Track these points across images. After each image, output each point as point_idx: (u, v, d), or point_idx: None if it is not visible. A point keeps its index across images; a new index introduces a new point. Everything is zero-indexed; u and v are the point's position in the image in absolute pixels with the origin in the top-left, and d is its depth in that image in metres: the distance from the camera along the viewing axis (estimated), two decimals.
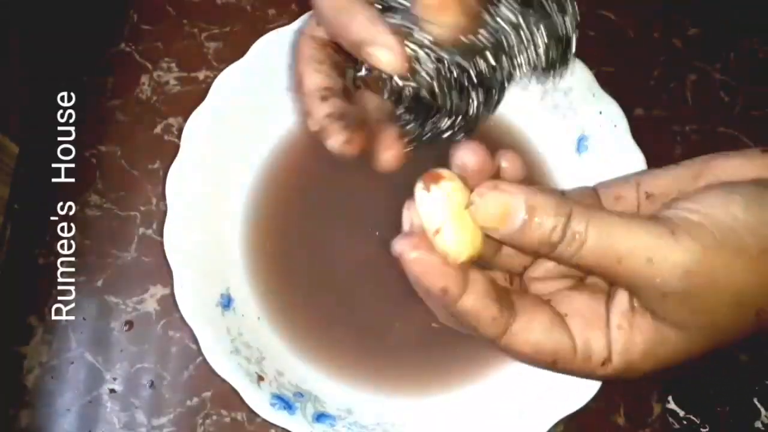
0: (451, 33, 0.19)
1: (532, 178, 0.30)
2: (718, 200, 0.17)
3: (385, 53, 0.19)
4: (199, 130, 0.29)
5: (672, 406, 0.32)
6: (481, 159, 0.18)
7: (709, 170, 0.19)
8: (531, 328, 0.18)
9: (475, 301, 0.18)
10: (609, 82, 0.31)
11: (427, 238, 0.18)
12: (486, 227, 0.17)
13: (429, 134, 0.21)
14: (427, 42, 0.18)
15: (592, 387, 0.27)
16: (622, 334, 0.18)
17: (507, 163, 0.19)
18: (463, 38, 0.19)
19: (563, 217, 0.17)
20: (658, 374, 0.19)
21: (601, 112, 0.31)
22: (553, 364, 0.19)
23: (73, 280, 0.32)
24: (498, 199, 0.17)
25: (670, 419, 0.31)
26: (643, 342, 0.18)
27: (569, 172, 0.32)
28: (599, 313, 0.19)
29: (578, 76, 0.31)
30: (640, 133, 0.30)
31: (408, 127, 0.21)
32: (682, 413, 0.31)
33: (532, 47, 0.19)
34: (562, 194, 0.19)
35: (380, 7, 0.19)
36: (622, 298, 0.18)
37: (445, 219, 0.17)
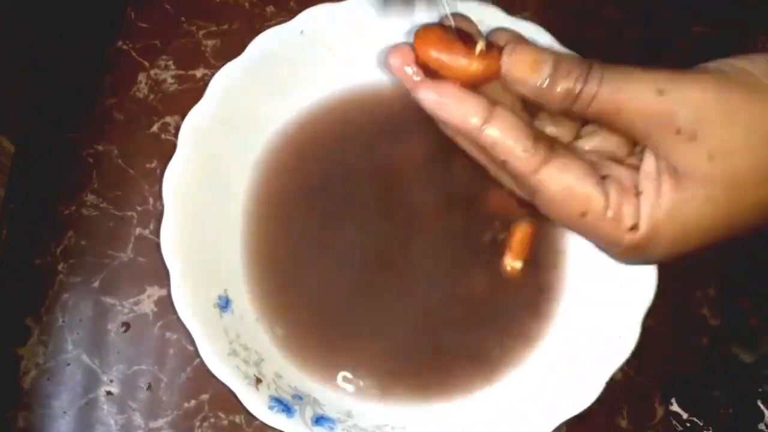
0: None
1: None
2: (733, 58, 0.18)
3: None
4: (196, 129, 0.29)
5: (675, 408, 0.31)
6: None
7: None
8: (567, 171, 0.18)
9: (506, 130, 0.18)
10: None
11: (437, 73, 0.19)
12: (517, 76, 0.18)
13: None
14: None
15: (595, 390, 0.27)
16: (647, 197, 0.18)
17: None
18: None
19: (585, 66, 0.18)
20: (686, 255, 0.19)
21: None
22: (582, 215, 0.19)
23: (69, 280, 0.32)
24: (530, 50, 0.19)
25: (674, 421, 0.31)
26: (667, 203, 0.18)
27: None
28: (633, 183, 0.19)
29: None
30: None
31: None
32: (685, 415, 0.31)
33: None
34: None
35: None
36: (648, 161, 0.19)
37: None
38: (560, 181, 0.18)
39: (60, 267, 0.32)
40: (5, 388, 0.31)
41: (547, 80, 0.18)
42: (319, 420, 0.28)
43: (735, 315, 0.33)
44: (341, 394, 0.29)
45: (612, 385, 0.27)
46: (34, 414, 0.31)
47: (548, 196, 0.19)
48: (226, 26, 0.36)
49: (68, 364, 0.31)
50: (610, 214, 0.18)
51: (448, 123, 0.19)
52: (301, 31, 0.30)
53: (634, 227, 0.18)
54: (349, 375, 0.30)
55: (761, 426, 0.31)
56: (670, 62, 0.35)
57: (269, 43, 0.30)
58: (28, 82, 0.35)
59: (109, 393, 0.31)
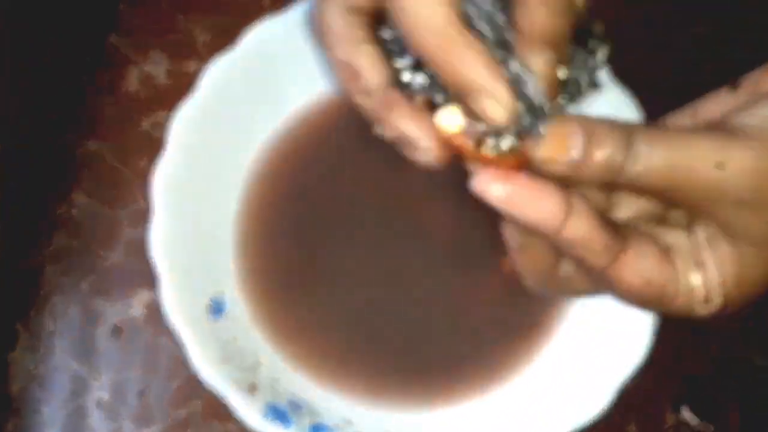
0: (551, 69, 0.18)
1: None
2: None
3: (496, 108, 0.17)
4: (186, 125, 0.28)
5: (686, 414, 0.31)
6: None
7: (764, 85, 0.19)
8: (644, 260, 0.18)
9: (586, 222, 0.17)
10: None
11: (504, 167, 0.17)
12: (545, 156, 0.17)
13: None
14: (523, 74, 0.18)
15: (605, 398, 0.26)
16: (711, 268, 0.18)
17: None
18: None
19: (624, 134, 0.17)
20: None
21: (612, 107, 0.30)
22: (658, 299, 0.18)
23: (59, 282, 0.31)
24: (551, 127, 0.17)
25: (684, 428, 0.31)
26: (733, 272, 0.18)
27: None
28: (692, 249, 0.18)
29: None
30: None
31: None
32: (696, 422, 0.31)
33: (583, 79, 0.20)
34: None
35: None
36: (700, 229, 0.18)
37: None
38: (638, 272, 0.18)
39: (49, 269, 0.32)
40: None
41: (581, 154, 0.17)
42: (316, 429, 0.27)
43: (748, 320, 0.32)
44: (340, 401, 0.29)
45: (621, 391, 0.27)
46: (22, 420, 0.30)
47: (625, 287, 0.18)
48: (220, 19, 0.35)
49: (57, 370, 0.31)
50: (683, 293, 0.18)
51: (516, 219, 0.17)
52: (297, 23, 0.29)
53: (707, 299, 0.18)
54: (348, 380, 0.29)
55: None
56: (670, 62, 0.35)
57: (264, 34, 0.29)
58: (16, 79, 0.34)
59: (99, 400, 0.30)
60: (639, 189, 0.18)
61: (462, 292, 0.30)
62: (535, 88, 0.17)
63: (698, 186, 0.17)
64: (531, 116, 0.17)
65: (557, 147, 0.17)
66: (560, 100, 0.19)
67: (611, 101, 0.30)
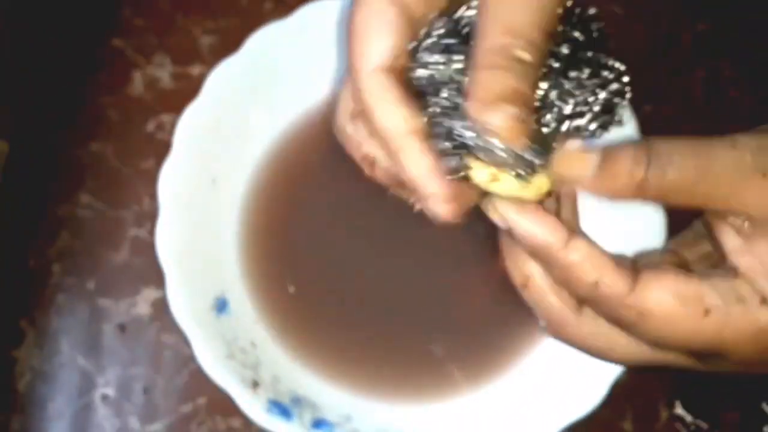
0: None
1: None
2: None
3: (438, 207, 0.18)
4: (192, 127, 0.29)
5: (680, 411, 0.31)
6: None
7: None
8: (665, 277, 0.17)
9: (587, 243, 0.17)
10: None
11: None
12: (564, 174, 0.17)
13: None
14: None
15: (599, 393, 0.27)
16: (755, 269, 0.17)
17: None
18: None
19: (642, 148, 0.17)
20: None
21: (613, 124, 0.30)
22: (706, 315, 0.17)
23: (64, 282, 0.32)
24: (569, 150, 0.17)
25: (678, 425, 0.31)
26: None
27: None
28: (726, 265, 0.17)
29: None
30: (648, 130, 0.30)
31: None
32: (689, 418, 0.31)
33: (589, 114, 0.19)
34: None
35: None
36: (730, 239, 0.17)
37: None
38: (664, 290, 0.17)
39: (54, 268, 0.32)
40: (0, 392, 0.31)
41: (598, 169, 0.17)
42: (317, 424, 0.28)
43: None
44: (340, 397, 0.29)
45: (615, 387, 0.27)
46: (29, 417, 0.30)
47: (658, 316, 0.17)
48: (223, 23, 0.35)
49: (63, 367, 0.31)
50: (733, 298, 0.17)
51: (526, 242, 0.17)
52: (299, 27, 0.29)
53: (764, 300, 0.17)
54: (348, 377, 0.29)
55: (766, 429, 0.31)
56: (675, 58, 0.35)
57: (267, 39, 0.29)
58: (21, 80, 0.34)
59: (105, 396, 0.31)
60: (664, 198, 0.17)
61: (459, 289, 0.30)
62: (504, 147, 0.17)
63: (716, 194, 0.17)
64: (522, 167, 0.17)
65: (573, 164, 0.17)
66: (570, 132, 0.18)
67: None
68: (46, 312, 0.31)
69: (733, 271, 0.17)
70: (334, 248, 0.31)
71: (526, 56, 0.17)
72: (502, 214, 0.17)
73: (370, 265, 0.31)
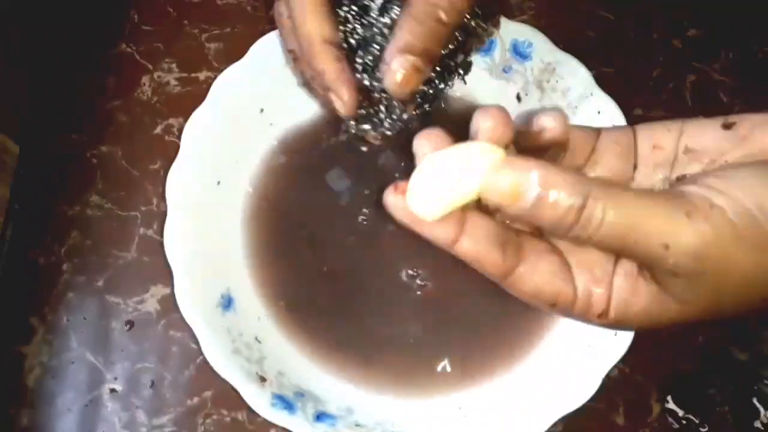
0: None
1: None
2: (748, 182, 0.17)
3: (339, 103, 0.24)
4: (198, 131, 0.29)
5: (671, 405, 0.32)
6: (498, 121, 0.18)
7: (757, 137, 0.19)
8: (535, 273, 0.19)
9: (475, 245, 0.18)
10: (608, 83, 0.31)
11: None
12: (498, 203, 0.17)
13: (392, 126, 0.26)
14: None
15: (592, 386, 0.27)
16: (622, 295, 0.19)
17: (553, 122, 0.19)
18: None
19: (580, 197, 0.16)
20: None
21: (599, 112, 0.31)
22: (552, 306, 0.19)
23: (73, 280, 0.32)
24: (509, 175, 0.17)
25: (670, 419, 0.31)
26: (642, 306, 0.18)
27: None
28: (606, 270, 0.19)
29: (577, 76, 0.31)
30: None
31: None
32: (681, 413, 0.32)
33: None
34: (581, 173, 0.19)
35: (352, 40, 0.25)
36: (629, 263, 0.19)
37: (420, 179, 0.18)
38: (529, 284, 0.19)
39: (64, 267, 0.33)
40: (10, 387, 0.31)
41: (533, 207, 0.17)
42: (320, 416, 0.28)
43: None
44: (342, 391, 0.30)
45: (608, 382, 0.28)
46: (38, 412, 0.31)
47: (520, 296, 0.19)
48: (228, 29, 0.36)
49: (72, 363, 0.31)
50: (579, 303, 0.19)
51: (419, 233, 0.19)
52: None
53: (603, 314, 0.19)
54: (350, 371, 0.30)
55: (757, 423, 0.31)
56: (665, 62, 0.36)
57: (271, 46, 0.30)
58: (33, 84, 0.35)
59: (113, 391, 0.31)
60: (582, 244, 0.18)
61: (458, 287, 0.31)
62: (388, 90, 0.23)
63: (642, 256, 0.17)
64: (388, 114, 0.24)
65: (510, 196, 0.17)
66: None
67: (597, 106, 0.31)
68: (56, 309, 0.32)
69: (607, 277, 0.19)
70: (336, 246, 0.31)
71: (444, 18, 0.22)
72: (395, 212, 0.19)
73: (371, 263, 0.31)
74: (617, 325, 0.19)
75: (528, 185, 0.17)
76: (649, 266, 0.18)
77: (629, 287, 0.19)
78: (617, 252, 0.18)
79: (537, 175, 0.17)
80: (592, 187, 0.17)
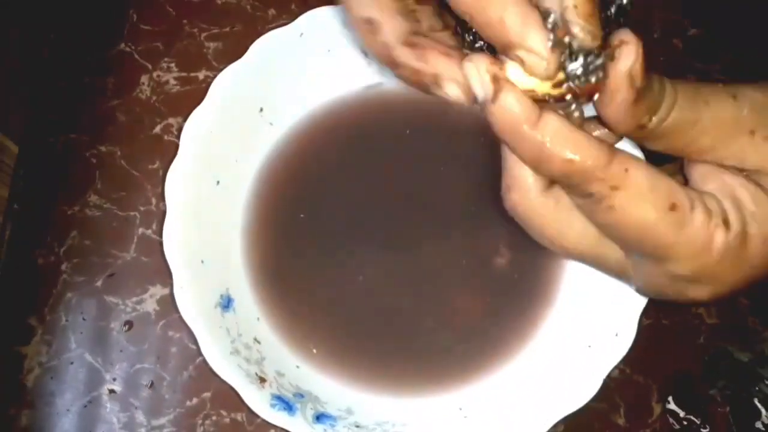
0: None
1: None
2: None
3: (536, 60, 0.16)
4: (198, 130, 0.29)
5: (672, 406, 0.32)
6: None
7: None
8: (640, 162, 0.17)
9: (557, 117, 0.16)
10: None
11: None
12: (616, 92, 0.16)
13: None
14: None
15: (592, 387, 0.27)
16: (730, 204, 0.17)
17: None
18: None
19: (657, 79, 0.17)
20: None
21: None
22: (672, 208, 0.17)
23: (73, 280, 0.32)
24: (632, 55, 0.17)
25: (671, 419, 0.31)
26: (750, 195, 0.17)
27: None
28: (707, 175, 0.18)
29: None
30: None
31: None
32: (682, 413, 0.32)
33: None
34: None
35: None
36: (721, 170, 0.18)
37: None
38: (640, 170, 0.16)
39: (63, 267, 0.33)
40: (9, 387, 0.31)
41: (636, 94, 0.16)
42: (320, 417, 0.28)
43: (732, 314, 0.33)
44: (342, 391, 0.30)
45: (609, 383, 0.28)
46: (37, 412, 0.31)
47: (630, 192, 0.16)
48: (227, 28, 0.36)
49: (71, 363, 0.32)
50: (699, 205, 0.17)
51: (498, 124, 0.17)
52: (301, 34, 0.30)
53: (725, 222, 0.17)
54: (349, 372, 0.30)
55: (758, 424, 0.31)
56: (666, 62, 0.36)
57: (270, 45, 0.30)
58: (32, 84, 0.35)
59: (111, 391, 0.31)
60: (656, 135, 0.17)
61: (458, 285, 0.31)
62: (579, 28, 0.16)
63: (717, 120, 0.17)
64: (582, 58, 0.17)
65: (627, 83, 0.16)
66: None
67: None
68: (55, 309, 0.32)
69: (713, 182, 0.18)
70: (335, 246, 0.31)
71: None
72: (485, 80, 0.16)
73: (371, 262, 0.31)
74: (739, 249, 0.17)
75: (639, 71, 0.17)
76: (724, 139, 0.17)
77: (741, 185, 0.17)
78: (690, 135, 0.17)
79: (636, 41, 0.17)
80: (655, 74, 0.17)
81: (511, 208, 0.18)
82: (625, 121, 0.17)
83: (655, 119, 0.17)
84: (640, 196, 0.17)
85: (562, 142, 0.16)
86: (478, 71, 0.17)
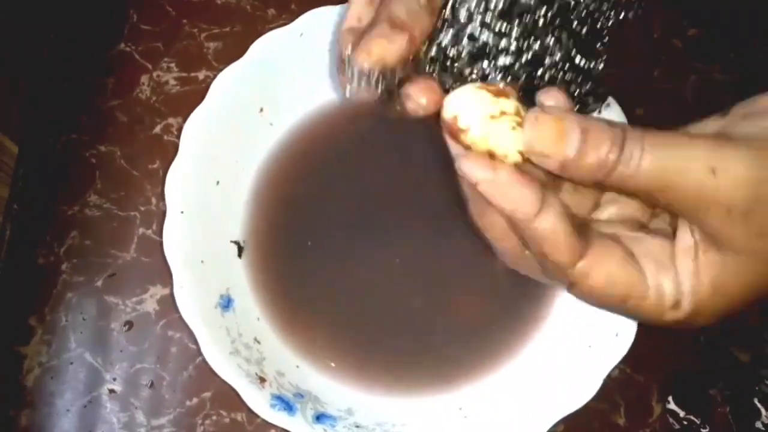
0: None
1: None
2: (753, 117, 0.17)
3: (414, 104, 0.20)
4: (198, 130, 0.29)
5: (672, 406, 0.32)
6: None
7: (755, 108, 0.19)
8: (606, 260, 0.18)
9: (554, 220, 0.17)
10: (609, 82, 0.31)
11: (490, 158, 0.17)
12: (540, 152, 0.17)
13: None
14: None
15: (592, 387, 0.27)
16: (688, 273, 0.18)
17: (551, 100, 0.18)
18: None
19: (619, 135, 0.17)
20: (727, 319, 0.18)
21: (600, 112, 0.31)
22: (623, 301, 0.18)
23: (73, 280, 0.32)
24: (551, 122, 0.17)
25: (671, 419, 0.31)
26: (710, 278, 0.18)
27: None
28: (668, 255, 0.18)
29: None
30: None
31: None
32: (682, 413, 0.32)
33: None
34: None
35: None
36: (684, 235, 0.18)
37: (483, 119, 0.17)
38: (602, 273, 0.18)
39: (63, 267, 0.33)
40: (9, 387, 0.31)
41: (575, 153, 0.17)
42: (320, 417, 0.28)
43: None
44: (342, 391, 0.30)
45: (609, 382, 0.28)
46: (37, 412, 0.31)
47: (588, 290, 0.18)
48: (227, 28, 0.36)
49: (71, 363, 0.32)
50: (652, 295, 0.18)
51: (494, 205, 0.18)
52: (301, 34, 0.30)
53: (676, 305, 0.18)
54: (349, 372, 0.30)
55: (758, 424, 0.31)
56: (667, 62, 0.36)
57: (270, 45, 0.30)
58: (32, 84, 0.35)
59: (111, 391, 0.31)
60: (628, 190, 0.17)
61: (457, 286, 0.31)
62: None
63: (689, 190, 0.16)
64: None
65: (552, 143, 0.17)
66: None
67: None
68: (55, 309, 0.32)
69: (671, 263, 0.18)
70: (334, 246, 0.31)
71: None
72: (471, 172, 0.17)
73: (370, 262, 0.31)
74: (694, 314, 0.18)
75: (570, 128, 0.17)
76: (701, 210, 0.17)
77: (691, 264, 0.18)
78: (665, 192, 0.17)
79: (576, 119, 0.17)
80: (627, 127, 0.17)
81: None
82: (581, 173, 0.17)
83: (616, 169, 0.17)
84: (596, 290, 0.18)
85: (549, 243, 0.18)
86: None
